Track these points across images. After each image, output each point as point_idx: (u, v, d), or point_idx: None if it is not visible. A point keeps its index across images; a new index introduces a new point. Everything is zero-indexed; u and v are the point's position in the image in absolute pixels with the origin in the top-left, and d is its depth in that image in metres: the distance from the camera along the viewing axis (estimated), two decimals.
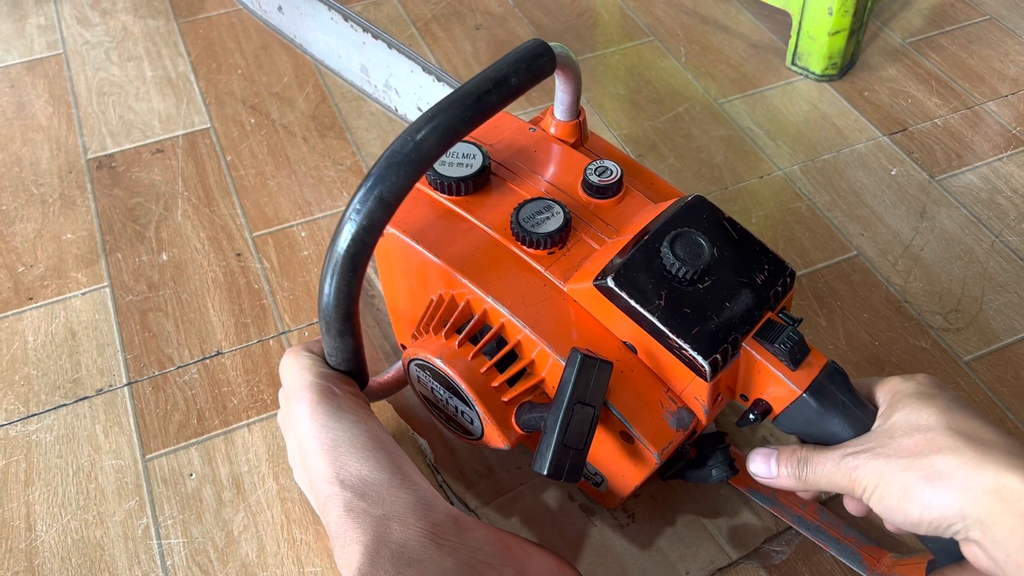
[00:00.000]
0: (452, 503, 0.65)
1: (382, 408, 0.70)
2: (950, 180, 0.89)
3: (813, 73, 1.00)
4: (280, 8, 0.89)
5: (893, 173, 0.90)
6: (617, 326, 0.55)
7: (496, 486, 0.66)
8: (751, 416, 0.54)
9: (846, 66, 1.01)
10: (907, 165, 0.91)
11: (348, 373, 0.59)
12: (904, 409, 0.48)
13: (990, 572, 0.46)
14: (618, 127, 0.95)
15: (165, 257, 0.82)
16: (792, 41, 1.00)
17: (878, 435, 0.48)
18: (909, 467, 0.45)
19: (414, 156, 0.50)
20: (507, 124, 0.66)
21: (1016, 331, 0.76)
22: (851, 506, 0.54)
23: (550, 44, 0.55)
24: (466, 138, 0.63)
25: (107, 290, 0.80)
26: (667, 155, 0.92)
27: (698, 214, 0.56)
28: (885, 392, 0.51)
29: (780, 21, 1.08)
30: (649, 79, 1.01)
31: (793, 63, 1.02)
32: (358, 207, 0.50)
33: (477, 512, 0.64)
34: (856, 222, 0.85)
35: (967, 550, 0.47)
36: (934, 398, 0.48)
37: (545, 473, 0.49)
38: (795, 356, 0.52)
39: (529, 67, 0.54)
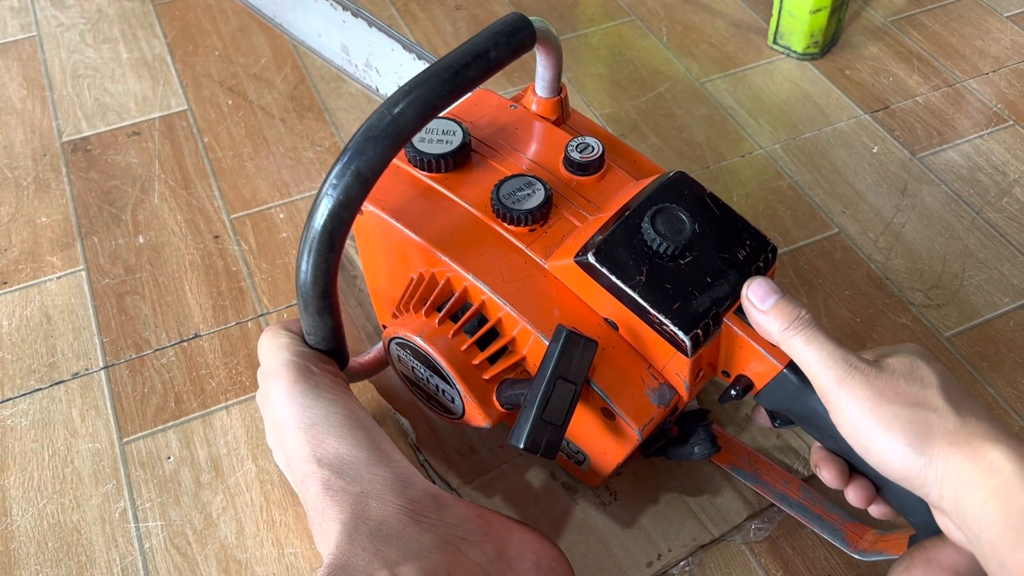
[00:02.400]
0: (434, 483, 0.64)
1: (364, 388, 0.69)
2: (931, 158, 0.89)
3: (795, 52, 1.00)
4: None
5: (875, 151, 0.90)
6: (598, 303, 0.54)
7: (478, 465, 0.65)
8: (733, 392, 0.54)
9: (828, 45, 1.01)
10: (889, 143, 0.91)
11: (327, 352, 0.58)
12: (904, 357, 0.48)
13: (958, 542, 0.46)
14: (600, 107, 0.95)
15: (142, 240, 0.81)
16: (774, 20, 1.00)
17: (876, 367, 0.47)
18: (899, 415, 0.45)
19: (391, 130, 0.49)
20: (488, 101, 0.65)
21: (996, 307, 0.76)
22: (853, 496, 0.53)
23: (530, 18, 0.55)
24: (446, 115, 0.63)
25: (83, 273, 0.78)
26: (649, 135, 0.91)
27: (680, 190, 0.56)
28: (874, 351, 0.50)
29: (761, 0, 1.08)
30: (630, 59, 1.01)
31: (775, 42, 1.01)
32: (334, 182, 0.49)
33: (459, 491, 0.64)
34: (838, 200, 0.85)
35: (939, 518, 0.47)
36: (933, 362, 0.48)
37: (521, 446, 0.49)
38: None
39: (508, 41, 0.53)
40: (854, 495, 0.52)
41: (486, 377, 0.55)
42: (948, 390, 0.46)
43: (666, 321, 0.51)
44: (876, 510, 0.53)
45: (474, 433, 0.67)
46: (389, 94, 0.78)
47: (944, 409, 0.45)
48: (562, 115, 0.65)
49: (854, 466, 0.53)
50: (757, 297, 0.50)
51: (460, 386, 0.55)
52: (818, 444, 0.54)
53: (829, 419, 0.51)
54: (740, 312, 0.52)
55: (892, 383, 0.46)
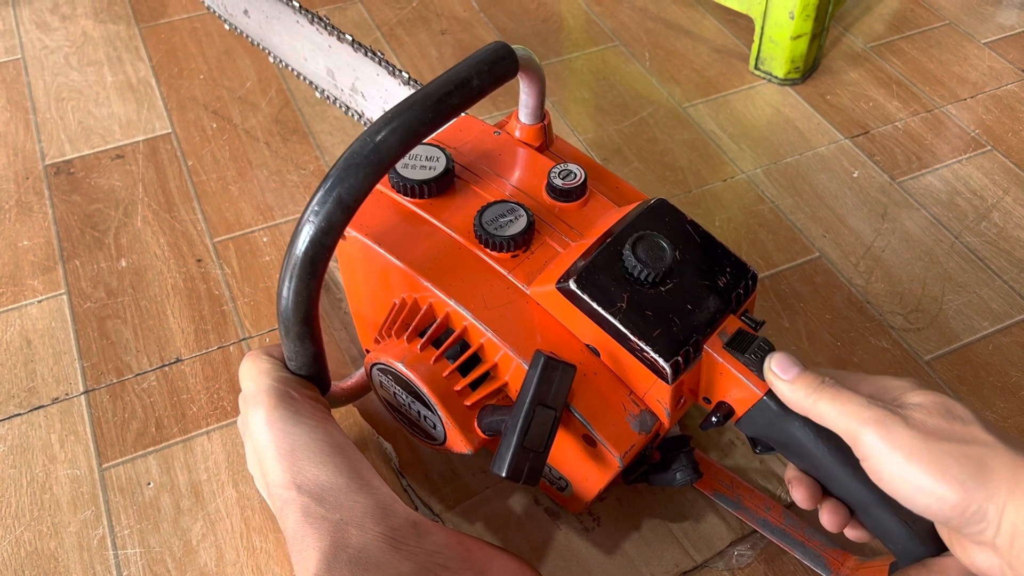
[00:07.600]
0: (417, 507, 0.64)
1: (347, 412, 0.69)
2: (911, 182, 0.90)
3: (776, 77, 1.01)
4: (246, 11, 0.89)
5: (855, 175, 0.91)
6: (580, 329, 0.54)
7: (461, 490, 0.65)
8: (713, 419, 0.54)
9: (808, 70, 1.02)
10: (869, 167, 0.92)
11: (308, 378, 0.58)
12: (932, 396, 0.47)
13: None
14: (583, 131, 0.95)
15: (124, 264, 0.81)
16: (755, 45, 1.01)
17: (909, 408, 0.46)
18: (951, 453, 0.43)
19: (373, 157, 0.49)
20: (472, 127, 0.66)
21: (975, 330, 0.76)
22: (827, 520, 0.52)
23: (513, 47, 0.55)
24: (430, 141, 0.63)
25: (64, 297, 0.78)
26: (631, 159, 0.92)
27: (661, 217, 0.56)
28: (886, 384, 0.49)
29: (743, 26, 1.09)
30: (614, 84, 1.01)
31: (756, 67, 1.02)
32: (316, 209, 0.49)
33: (442, 516, 0.64)
34: (818, 224, 0.85)
35: (977, 556, 0.45)
36: (957, 399, 0.47)
37: (504, 475, 0.49)
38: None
39: (491, 69, 0.54)
40: (828, 519, 0.52)
41: (468, 403, 0.55)
42: (988, 425, 0.45)
43: (646, 348, 0.51)
44: (852, 533, 0.53)
45: (457, 458, 0.67)
46: (374, 119, 0.79)
47: (995, 443, 0.44)
48: (545, 142, 0.65)
49: (827, 489, 0.53)
50: (780, 368, 0.50)
51: (442, 412, 0.55)
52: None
53: (808, 445, 0.51)
54: (729, 347, 0.53)
55: (935, 422, 0.45)
